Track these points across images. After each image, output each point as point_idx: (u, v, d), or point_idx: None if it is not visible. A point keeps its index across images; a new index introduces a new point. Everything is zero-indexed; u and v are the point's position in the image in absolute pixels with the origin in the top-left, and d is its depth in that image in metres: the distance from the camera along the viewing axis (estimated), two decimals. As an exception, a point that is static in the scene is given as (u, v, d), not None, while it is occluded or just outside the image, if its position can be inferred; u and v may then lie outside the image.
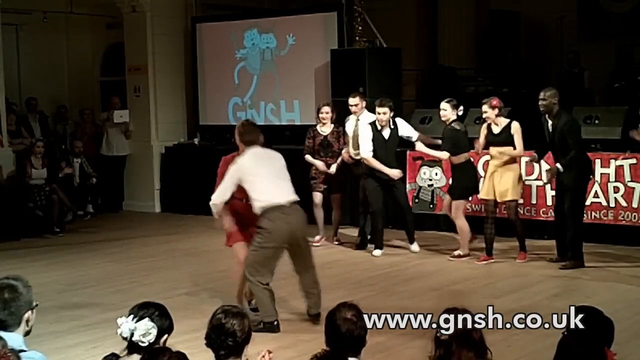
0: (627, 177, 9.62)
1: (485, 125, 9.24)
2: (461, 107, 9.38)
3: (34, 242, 11.13)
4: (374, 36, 12.23)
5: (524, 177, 9.67)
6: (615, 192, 9.66)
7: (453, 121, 9.26)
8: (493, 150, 9.14)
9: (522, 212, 10.24)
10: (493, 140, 9.11)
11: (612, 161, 9.65)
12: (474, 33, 14.75)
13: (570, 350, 3.31)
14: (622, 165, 9.64)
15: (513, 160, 9.08)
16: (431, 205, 10.35)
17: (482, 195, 9.30)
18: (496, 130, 9.11)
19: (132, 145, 13.76)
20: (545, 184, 9.42)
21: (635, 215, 9.61)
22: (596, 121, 10.44)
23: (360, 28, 12.03)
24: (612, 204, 9.68)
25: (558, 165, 8.67)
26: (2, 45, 12.29)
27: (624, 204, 9.66)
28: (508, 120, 9.14)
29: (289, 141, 12.25)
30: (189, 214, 12.91)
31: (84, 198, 13.15)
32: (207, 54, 13.80)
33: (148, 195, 13.64)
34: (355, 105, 9.97)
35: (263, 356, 3.84)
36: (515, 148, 9.00)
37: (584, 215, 9.25)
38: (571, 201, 8.71)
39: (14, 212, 11.49)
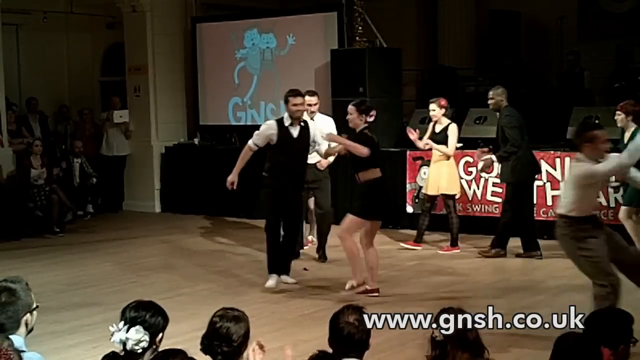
0: (627, 177, 9.59)
1: (432, 124, 9.72)
2: (372, 113, 7.73)
3: (34, 242, 11.12)
4: (374, 36, 12.22)
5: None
6: (615, 192, 9.65)
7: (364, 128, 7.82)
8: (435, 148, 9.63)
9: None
10: (433, 138, 9.62)
11: (612, 161, 9.61)
12: (474, 33, 14.75)
13: (566, 349, 3.32)
14: (622, 166, 9.61)
15: (448, 157, 9.58)
16: (433, 208, 10.33)
17: (424, 190, 9.91)
18: (438, 129, 9.63)
19: (132, 145, 13.75)
20: (480, 171, 9.64)
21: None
22: (596, 121, 10.38)
23: (360, 28, 12.03)
24: (612, 204, 9.66)
25: (493, 156, 9.02)
26: (2, 45, 12.30)
27: (624, 204, 9.64)
28: (449, 121, 9.63)
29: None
30: (189, 214, 12.92)
31: (84, 198, 13.14)
32: (207, 54, 13.79)
33: (148, 195, 13.64)
34: (315, 104, 9.35)
35: (253, 350, 3.76)
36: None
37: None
38: (511, 196, 9.25)
39: (14, 212, 11.48)
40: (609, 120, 10.28)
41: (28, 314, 3.65)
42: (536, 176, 9.57)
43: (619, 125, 8.79)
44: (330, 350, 3.66)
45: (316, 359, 3.38)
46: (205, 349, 3.65)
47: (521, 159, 9.06)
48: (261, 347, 3.70)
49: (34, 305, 3.70)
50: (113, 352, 3.68)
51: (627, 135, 8.68)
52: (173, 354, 3.34)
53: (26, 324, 3.64)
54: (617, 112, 8.76)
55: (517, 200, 9.24)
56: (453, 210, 9.75)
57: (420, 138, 9.75)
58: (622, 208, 8.85)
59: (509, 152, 8.94)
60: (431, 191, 9.75)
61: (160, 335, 3.71)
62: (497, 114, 9.23)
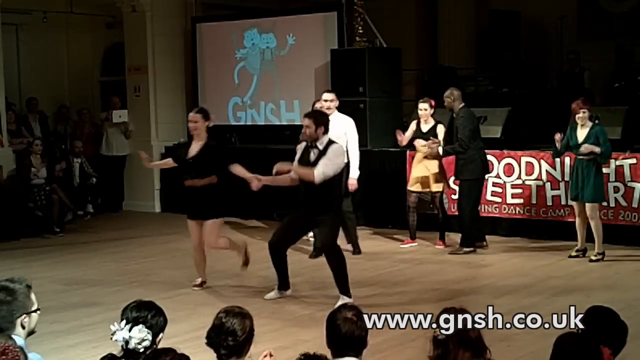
0: (627, 177, 9.61)
1: (415, 122, 9.94)
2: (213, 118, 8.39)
3: (34, 242, 11.13)
4: (374, 36, 12.22)
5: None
6: (615, 192, 9.65)
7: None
8: (419, 145, 9.83)
9: (522, 212, 10.28)
10: (420, 137, 9.82)
11: (612, 161, 9.62)
12: (474, 33, 14.75)
13: (566, 349, 3.32)
14: (622, 165, 9.64)
15: (436, 156, 9.74)
16: (431, 205, 10.35)
17: (411, 187, 9.95)
18: (425, 128, 9.85)
19: (132, 145, 13.75)
20: (424, 154, 9.81)
21: (635, 215, 9.60)
22: (596, 121, 10.43)
23: (360, 28, 12.03)
24: (612, 204, 9.67)
25: (440, 148, 9.49)
26: (2, 45, 12.30)
27: (624, 204, 9.65)
28: (435, 121, 9.83)
29: (288, 141, 12.23)
30: (189, 214, 12.89)
31: (84, 198, 13.15)
32: (207, 54, 13.79)
33: (148, 195, 13.64)
34: (332, 100, 9.42)
35: (265, 356, 3.82)
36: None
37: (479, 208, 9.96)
38: (461, 191, 9.66)
39: (14, 212, 11.48)
40: (610, 120, 10.34)
41: (25, 316, 3.60)
42: (486, 176, 9.87)
43: (580, 123, 8.89)
44: (328, 352, 3.64)
45: None
46: (210, 343, 3.68)
47: (472, 158, 9.42)
48: (271, 354, 3.75)
49: (33, 308, 3.66)
50: (111, 354, 3.67)
51: (584, 131, 8.86)
52: (164, 352, 3.35)
53: (22, 326, 3.59)
54: (583, 110, 8.85)
55: (468, 197, 9.57)
56: (442, 205, 10.05)
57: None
58: (590, 205, 8.89)
59: (455, 150, 9.43)
60: (421, 188, 9.89)
61: (161, 335, 3.72)
62: (453, 114, 9.54)
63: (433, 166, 9.79)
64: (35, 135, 12.88)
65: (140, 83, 13.65)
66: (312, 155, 7.48)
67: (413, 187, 9.95)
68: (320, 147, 7.44)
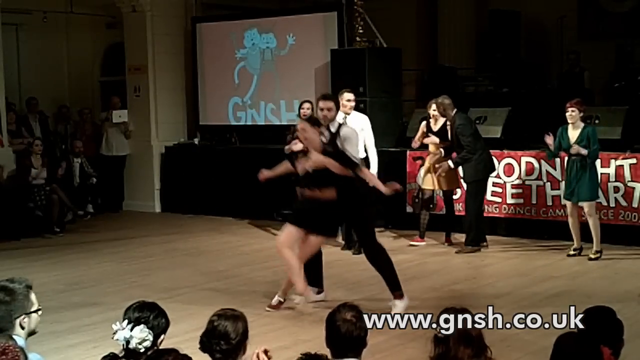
0: (627, 177, 9.61)
1: (424, 122, 10.02)
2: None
3: (34, 242, 11.12)
4: (374, 36, 12.22)
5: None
6: (615, 192, 9.65)
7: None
8: (431, 145, 9.95)
9: (522, 212, 10.28)
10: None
11: (612, 161, 9.65)
12: (474, 33, 14.75)
13: (566, 349, 3.31)
14: (622, 165, 9.64)
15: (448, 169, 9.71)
16: (431, 205, 10.36)
17: (425, 186, 10.05)
18: (435, 127, 9.93)
19: (132, 145, 13.76)
20: (437, 175, 9.84)
21: (635, 215, 9.60)
22: (596, 121, 10.42)
23: (360, 28, 12.02)
24: (612, 204, 9.67)
25: (450, 162, 9.54)
26: (2, 45, 12.30)
27: (624, 204, 9.65)
28: (444, 119, 9.78)
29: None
30: (189, 214, 12.92)
31: (84, 198, 13.15)
32: (207, 54, 13.80)
33: (148, 195, 13.65)
34: (354, 100, 9.61)
35: (257, 356, 3.78)
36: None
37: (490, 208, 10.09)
38: (468, 192, 9.78)
39: (14, 212, 11.48)
40: (610, 120, 10.34)
41: (24, 317, 3.60)
42: (491, 174, 10.00)
43: (570, 121, 8.97)
44: (328, 352, 3.64)
45: None
46: (203, 347, 3.66)
47: (480, 159, 9.55)
48: (266, 352, 3.70)
49: (33, 309, 3.66)
50: (112, 353, 3.67)
51: (575, 132, 8.92)
52: (167, 352, 3.35)
53: (21, 326, 3.59)
54: (572, 109, 8.91)
55: (475, 197, 9.70)
56: (451, 204, 10.17)
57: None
58: (587, 203, 8.93)
59: (465, 158, 9.48)
60: (434, 186, 9.97)
61: (162, 337, 3.71)
62: (447, 121, 9.63)
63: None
64: (35, 136, 12.87)
65: (140, 83, 13.65)
66: (324, 139, 7.16)
67: (426, 185, 10.00)
68: (333, 129, 7.28)
